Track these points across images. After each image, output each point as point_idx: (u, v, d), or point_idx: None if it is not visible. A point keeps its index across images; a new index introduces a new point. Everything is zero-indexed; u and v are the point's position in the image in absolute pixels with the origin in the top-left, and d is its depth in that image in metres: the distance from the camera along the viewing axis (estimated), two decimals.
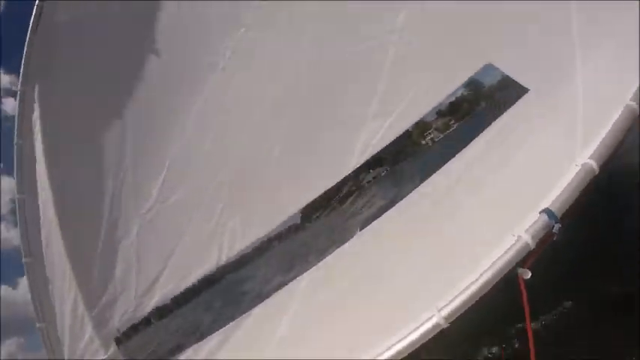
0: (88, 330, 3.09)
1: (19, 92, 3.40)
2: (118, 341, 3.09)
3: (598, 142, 2.20)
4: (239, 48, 3.21)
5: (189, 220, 3.12)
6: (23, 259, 3.33)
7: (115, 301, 3.11)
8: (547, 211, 2.00)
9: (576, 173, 2.12)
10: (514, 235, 2.02)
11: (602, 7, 2.76)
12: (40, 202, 3.30)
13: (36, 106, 3.40)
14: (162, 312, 3.07)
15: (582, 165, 2.13)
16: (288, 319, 2.74)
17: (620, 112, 2.25)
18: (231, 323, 2.92)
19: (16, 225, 3.43)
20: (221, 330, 2.92)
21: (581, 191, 2.09)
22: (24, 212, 3.27)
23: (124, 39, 3.42)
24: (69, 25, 3.39)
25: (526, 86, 2.74)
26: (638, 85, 2.30)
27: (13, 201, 3.52)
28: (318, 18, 3.22)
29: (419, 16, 3.01)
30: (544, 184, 2.23)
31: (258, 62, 3.22)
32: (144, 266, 3.12)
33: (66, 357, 3.18)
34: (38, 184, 3.30)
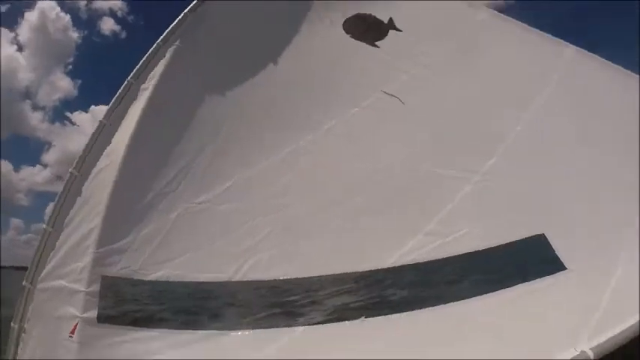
0: (85, 260, 3.26)
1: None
2: (104, 280, 3.23)
3: (606, 338, 2.41)
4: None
5: (227, 233, 3.43)
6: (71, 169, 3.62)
7: (124, 252, 3.33)
8: None
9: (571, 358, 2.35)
10: None
11: None
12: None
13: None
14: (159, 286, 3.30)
15: (580, 352, 2.35)
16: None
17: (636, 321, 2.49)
18: (207, 331, 3.11)
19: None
20: (200, 332, 3.11)
21: None
22: None
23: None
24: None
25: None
26: None
27: None
28: (425, 127, 3.77)
29: (506, 167, 3.54)
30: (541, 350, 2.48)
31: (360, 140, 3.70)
32: (166, 243, 3.38)
33: (49, 266, 3.38)
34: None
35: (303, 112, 3.93)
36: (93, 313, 3.19)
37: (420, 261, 3.15)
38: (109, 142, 3.60)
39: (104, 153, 3.57)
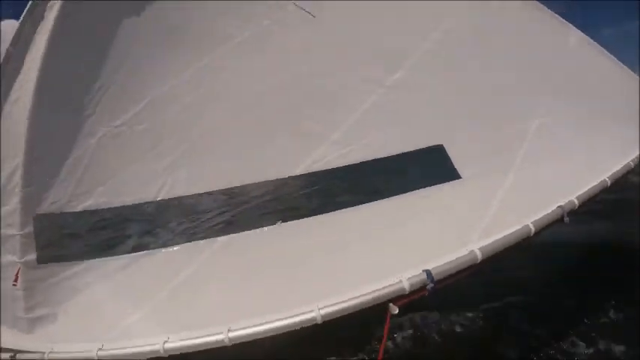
0: (14, 201, 3.15)
1: None
2: (36, 220, 3.16)
3: (491, 241, 2.77)
4: (259, 33, 3.52)
5: (145, 153, 3.33)
6: None
7: (51, 186, 3.20)
8: (427, 272, 2.53)
9: (462, 255, 2.67)
10: (397, 278, 2.53)
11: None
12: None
13: None
14: (88, 217, 3.25)
15: (469, 252, 2.68)
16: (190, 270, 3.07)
17: (517, 228, 2.86)
18: (141, 252, 3.20)
19: None
20: (129, 255, 3.19)
21: (458, 270, 2.64)
22: None
23: None
24: None
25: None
26: (539, 216, 2.94)
27: None
28: (334, 40, 3.60)
29: (411, 80, 3.51)
30: (435, 250, 2.73)
31: (269, 53, 3.54)
32: (91, 170, 3.26)
33: None
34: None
35: (217, 26, 3.61)
36: (32, 256, 3.16)
37: (325, 169, 3.27)
38: (19, 72, 3.31)
39: (15, 83, 3.29)
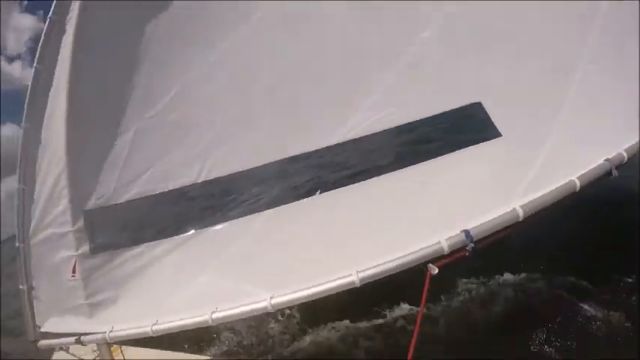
0: (63, 202, 3.36)
1: None
2: (86, 215, 3.38)
3: (536, 197, 2.66)
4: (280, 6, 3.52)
5: (181, 139, 3.46)
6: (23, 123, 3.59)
7: (95, 183, 3.41)
8: (466, 232, 2.48)
9: (504, 213, 2.58)
10: (436, 239, 2.50)
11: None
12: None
13: None
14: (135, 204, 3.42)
15: (512, 210, 2.59)
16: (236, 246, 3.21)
17: (563, 183, 2.72)
18: (188, 234, 3.35)
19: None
20: (177, 237, 3.35)
21: (500, 229, 2.57)
22: None
23: None
24: None
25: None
26: (587, 169, 2.80)
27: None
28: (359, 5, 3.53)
29: (444, 37, 3.40)
30: (477, 208, 2.67)
31: (290, 24, 3.55)
32: (130, 163, 3.43)
33: (34, 220, 3.47)
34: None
35: (238, 3, 3.66)
36: (85, 248, 3.39)
37: (362, 135, 3.24)
38: (51, 85, 3.54)
39: (49, 96, 3.53)
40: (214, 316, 2.65)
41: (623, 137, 3.04)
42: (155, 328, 2.82)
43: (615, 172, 2.94)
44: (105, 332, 3.06)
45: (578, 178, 2.75)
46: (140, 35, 3.52)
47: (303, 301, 2.52)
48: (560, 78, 3.31)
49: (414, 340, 2.50)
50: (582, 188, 2.77)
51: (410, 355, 2.28)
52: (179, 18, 3.55)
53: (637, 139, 3.06)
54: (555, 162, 2.89)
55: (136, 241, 3.42)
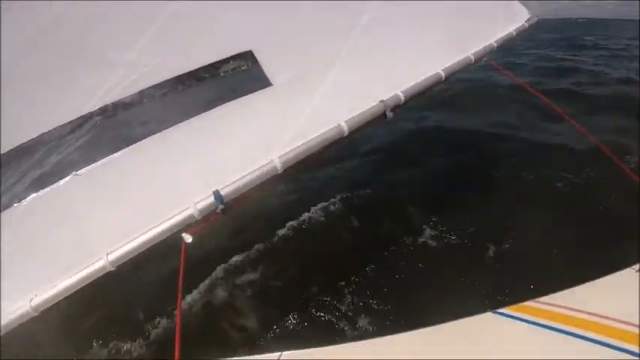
0: None
1: None
2: None
3: (293, 147, 2.64)
4: None
5: None
6: None
7: None
8: (215, 193, 2.42)
9: (260, 166, 2.54)
10: (187, 205, 2.42)
11: None
12: None
13: None
14: None
15: (269, 162, 2.56)
16: None
17: (328, 129, 2.75)
18: None
19: None
20: None
21: (252, 188, 2.51)
22: None
23: None
24: None
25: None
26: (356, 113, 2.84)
27: None
28: None
29: None
30: (239, 163, 2.56)
31: None
32: None
33: None
34: None
35: None
36: None
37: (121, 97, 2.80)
38: None
39: None
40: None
41: (406, 79, 3.16)
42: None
43: (390, 114, 3.03)
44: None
45: (346, 122, 2.79)
46: None
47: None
48: (341, 24, 3.32)
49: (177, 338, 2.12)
50: (351, 132, 2.80)
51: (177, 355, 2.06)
52: None
53: (418, 81, 3.20)
54: (327, 108, 2.87)
55: None
